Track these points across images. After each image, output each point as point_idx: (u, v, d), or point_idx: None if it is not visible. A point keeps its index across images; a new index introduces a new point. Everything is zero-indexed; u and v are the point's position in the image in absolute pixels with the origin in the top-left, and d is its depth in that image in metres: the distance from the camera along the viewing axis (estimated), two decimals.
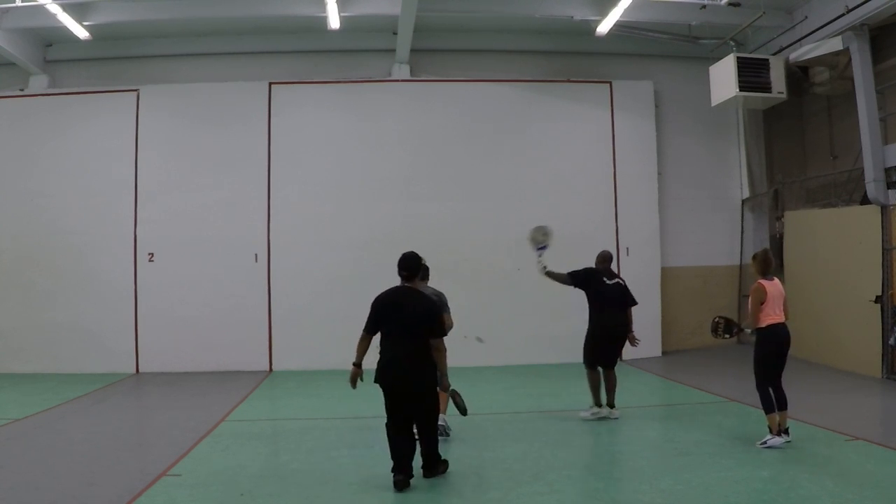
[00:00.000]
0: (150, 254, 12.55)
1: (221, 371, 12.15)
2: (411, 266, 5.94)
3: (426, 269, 6.74)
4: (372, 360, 5.81)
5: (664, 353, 13.07)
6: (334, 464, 6.40)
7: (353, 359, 5.87)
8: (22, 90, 12.84)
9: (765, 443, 6.58)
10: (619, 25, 11.75)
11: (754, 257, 7.12)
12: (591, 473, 6.03)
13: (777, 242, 13.01)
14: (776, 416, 6.63)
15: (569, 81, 13.34)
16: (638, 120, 13.39)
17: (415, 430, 5.88)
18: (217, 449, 7.07)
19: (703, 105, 12.32)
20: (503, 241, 12.82)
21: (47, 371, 11.95)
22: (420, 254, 6.16)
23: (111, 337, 12.37)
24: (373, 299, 5.84)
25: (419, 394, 5.70)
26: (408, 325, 5.66)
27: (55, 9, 10.63)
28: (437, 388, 5.83)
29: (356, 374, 5.78)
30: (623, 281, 8.53)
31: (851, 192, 11.37)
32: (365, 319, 5.90)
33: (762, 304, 6.72)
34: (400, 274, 5.92)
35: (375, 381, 5.66)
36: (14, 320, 12.32)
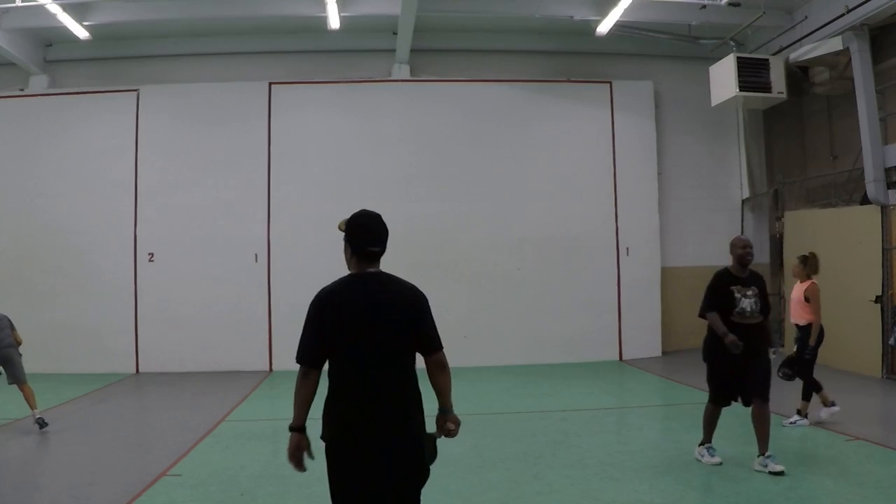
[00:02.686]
0: (150, 254, 12.56)
1: (221, 371, 12.15)
2: (383, 237, 3.45)
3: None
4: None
5: (664, 353, 13.06)
6: None
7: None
8: (22, 90, 12.85)
9: (794, 422, 7.37)
10: (619, 25, 11.75)
11: (806, 260, 7.81)
12: (591, 473, 6.02)
13: (777, 242, 13.01)
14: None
15: (569, 81, 13.34)
16: (638, 120, 13.39)
17: None
18: (217, 449, 7.07)
19: (703, 105, 12.33)
20: (503, 240, 12.84)
21: (47, 371, 11.90)
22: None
23: (111, 337, 12.37)
24: (312, 300, 3.34)
25: (413, 479, 3.23)
26: (386, 338, 3.22)
27: (55, 9, 10.64)
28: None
29: (300, 445, 3.23)
30: (761, 279, 6.36)
31: (851, 192, 11.36)
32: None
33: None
34: (363, 250, 3.39)
35: (330, 448, 3.21)
36: (14, 320, 12.24)
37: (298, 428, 3.31)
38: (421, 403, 3.31)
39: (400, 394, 3.24)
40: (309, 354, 3.34)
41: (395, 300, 3.32)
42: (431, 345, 3.35)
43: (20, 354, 8.23)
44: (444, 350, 3.38)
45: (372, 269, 3.41)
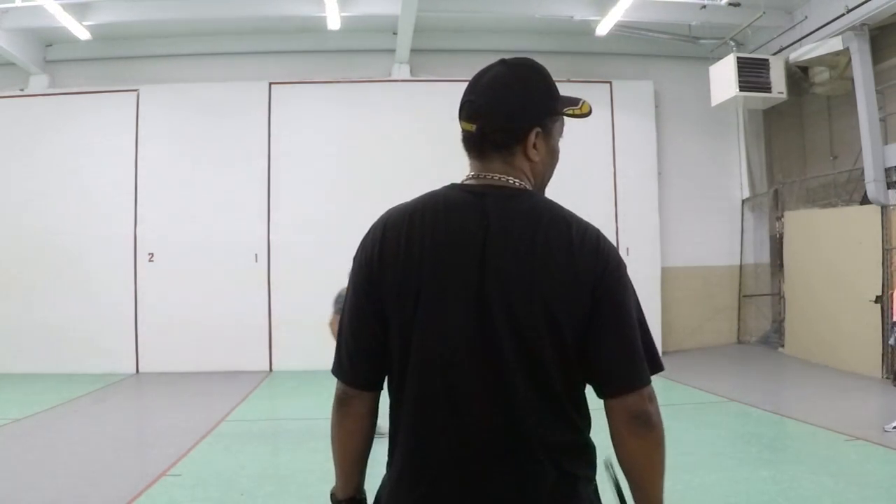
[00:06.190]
0: (150, 254, 12.56)
1: (221, 371, 12.15)
2: (487, 94, 1.79)
3: None
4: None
5: (664, 353, 13.03)
6: None
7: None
8: (22, 90, 12.83)
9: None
10: (619, 25, 11.75)
11: None
12: None
13: (777, 242, 13.02)
14: None
15: (569, 81, 13.27)
16: (638, 120, 13.39)
17: None
18: (217, 449, 7.07)
19: (703, 105, 12.32)
20: None
21: (47, 371, 11.93)
22: None
23: (111, 337, 12.36)
24: (355, 254, 1.79)
25: None
26: (512, 338, 1.54)
27: (55, 9, 10.63)
28: None
29: None
30: None
31: (851, 192, 11.37)
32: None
33: None
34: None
35: None
36: (14, 320, 12.31)
37: (346, 501, 1.78)
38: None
39: (549, 484, 1.61)
40: (348, 360, 1.65)
41: (537, 246, 1.58)
42: (623, 370, 1.60)
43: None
44: None
45: (486, 176, 1.71)
